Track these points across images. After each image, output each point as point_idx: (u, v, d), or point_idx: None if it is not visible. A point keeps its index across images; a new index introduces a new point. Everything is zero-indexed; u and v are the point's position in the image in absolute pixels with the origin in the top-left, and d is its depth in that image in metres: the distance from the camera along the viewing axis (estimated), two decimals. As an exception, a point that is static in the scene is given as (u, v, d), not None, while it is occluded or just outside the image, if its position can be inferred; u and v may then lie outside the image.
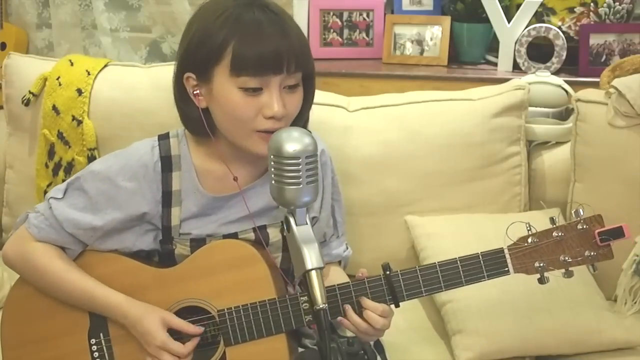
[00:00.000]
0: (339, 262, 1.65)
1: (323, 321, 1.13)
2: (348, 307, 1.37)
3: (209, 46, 1.36)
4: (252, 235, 1.47)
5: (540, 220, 1.81)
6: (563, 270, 1.38)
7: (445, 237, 1.82)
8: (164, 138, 1.49)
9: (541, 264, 1.37)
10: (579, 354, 1.68)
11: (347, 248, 1.66)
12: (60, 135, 2.03)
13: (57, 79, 2.04)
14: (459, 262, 1.39)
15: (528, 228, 1.38)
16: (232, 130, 1.41)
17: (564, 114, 2.04)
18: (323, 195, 1.56)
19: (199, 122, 1.42)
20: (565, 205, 1.91)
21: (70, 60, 2.09)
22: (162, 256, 1.49)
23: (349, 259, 1.67)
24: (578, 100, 1.88)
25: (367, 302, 1.37)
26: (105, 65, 2.07)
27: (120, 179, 1.44)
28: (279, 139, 1.15)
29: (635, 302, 1.75)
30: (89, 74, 2.03)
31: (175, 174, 1.46)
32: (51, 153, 2.05)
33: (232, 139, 1.42)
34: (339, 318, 1.38)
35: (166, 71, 1.98)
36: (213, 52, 1.35)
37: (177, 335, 1.41)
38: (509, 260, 1.38)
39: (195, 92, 1.41)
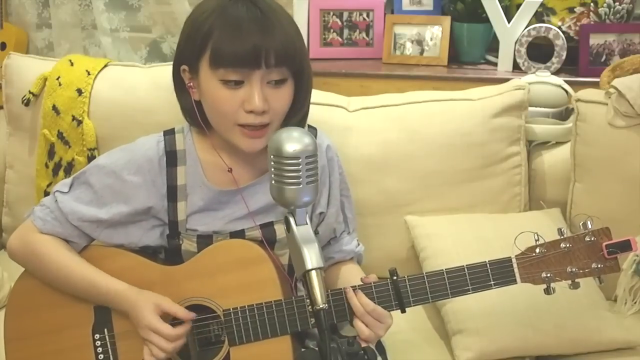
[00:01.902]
0: (352, 259, 1.65)
1: (323, 321, 1.13)
2: (349, 289, 1.38)
3: (194, 39, 1.40)
4: (258, 233, 1.47)
5: (540, 220, 1.83)
6: (569, 282, 1.38)
7: (445, 237, 1.82)
8: (169, 133, 1.51)
9: (548, 275, 1.37)
10: (578, 354, 1.68)
11: (358, 244, 1.66)
12: (60, 135, 2.03)
13: (57, 79, 2.04)
14: (466, 270, 1.39)
15: (536, 238, 1.37)
16: (217, 123, 1.44)
17: (564, 114, 2.04)
18: (330, 190, 1.56)
19: (194, 113, 1.45)
20: (565, 205, 1.91)
21: (70, 60, 2.09)
22: (169, 252, 1.50)
23: (363, 255, 1.67)
24: (578, 100, 1.88)
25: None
26: (105, 65, 2.07)
27: (125, 173, 1.46)
28: (279, 139, 1.15)
29: (635, 302, 1.75)
30: (89, 74, 2.03)
31: (180, 168, 1.48)
32: (51, 153, 2.05)
33: (219, 131, 1.45)
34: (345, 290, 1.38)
35: (166, 71, 1.96)
36: (197, 46, 1.39)
37: (174, 321, 1.41)
38: (516, 270, 1.38)
39: (189, 85, 1.44)
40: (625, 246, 1.37)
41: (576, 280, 1.38)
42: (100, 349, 1.46)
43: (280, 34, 1.37)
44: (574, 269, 1.37)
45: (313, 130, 1.57)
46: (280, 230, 1.48)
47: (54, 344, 1.47)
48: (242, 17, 1.36)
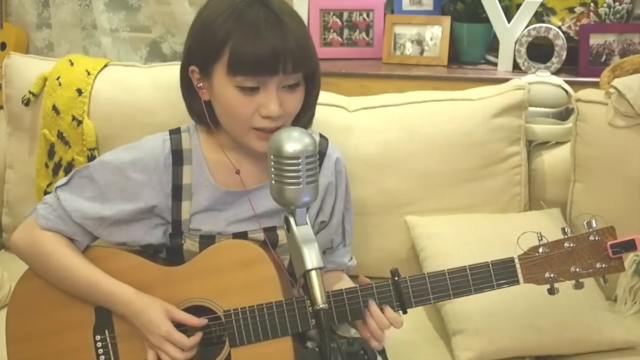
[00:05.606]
0: (342, 271, 1.65)
1: (323, 321, 1.13)
2: (372, 302, 1.37)
3: (209, 43, 1.38)
4: (261, 236, 1.48)
5: (540, 220, 1.83)
6: (573, 282, 1.37)
7: (445, 237, 1.82)
8: (175, 132, 1.51)
9: (551, 275, 1.36)
10: (578, 354, 1.68)
11: (351, 258, 1.66)
12: (60, 135, 2.03)
13: (57, 79, 2.04)
14: (468, 271, 1.38)
15: (539, 238, 1.36)
16: (230, 125, 1.44)
17: (564, 114, 2.04)
18: (336, 202, 1.57)
19: (202, 114, 1.44)
20: (565, 205, 1.91)
21: (70, 60, 2.09)
22: (170, 251, 1.50)
23: (353, 269, 1.67)
24: (578, 100, 1.88)
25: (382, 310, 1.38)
26: (105, 65, 2.07)
27: (130, 171, 1.45)
28: (279, 139, 1.15)
29: (635, 302, 1.75)
30: (89, 74, 2.03)
31: (186, 167, 1.47)
32: (51, 153, 2.05)
33: (231, 133, 1.45)
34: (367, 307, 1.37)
35: (166, 71, 2.00)
36: (212, 50, 1.37)
37: (181, 328, 1.41)
38: (519, 270, 1.37)
39: (199, 85, 1.44)
40: (630, 246, 1.35)
41: (580, 280, 1.36)
42: (101, 350, 1.46)
43: (296, 38, 1.36)
44: (577, 269, 1.36)
45: (324, 141, 1.57)
46: (283, 235, 1.48)
47: (55, 345, 1.47)
48: (260, 22, 1.34)
